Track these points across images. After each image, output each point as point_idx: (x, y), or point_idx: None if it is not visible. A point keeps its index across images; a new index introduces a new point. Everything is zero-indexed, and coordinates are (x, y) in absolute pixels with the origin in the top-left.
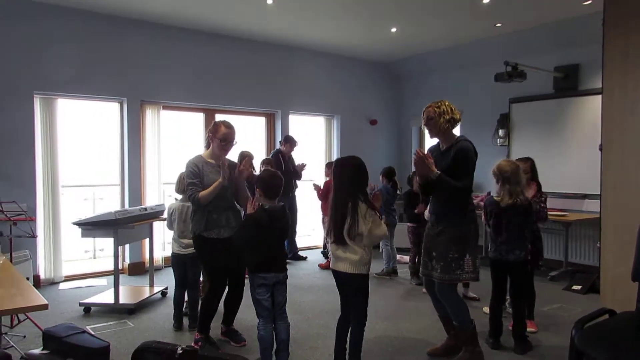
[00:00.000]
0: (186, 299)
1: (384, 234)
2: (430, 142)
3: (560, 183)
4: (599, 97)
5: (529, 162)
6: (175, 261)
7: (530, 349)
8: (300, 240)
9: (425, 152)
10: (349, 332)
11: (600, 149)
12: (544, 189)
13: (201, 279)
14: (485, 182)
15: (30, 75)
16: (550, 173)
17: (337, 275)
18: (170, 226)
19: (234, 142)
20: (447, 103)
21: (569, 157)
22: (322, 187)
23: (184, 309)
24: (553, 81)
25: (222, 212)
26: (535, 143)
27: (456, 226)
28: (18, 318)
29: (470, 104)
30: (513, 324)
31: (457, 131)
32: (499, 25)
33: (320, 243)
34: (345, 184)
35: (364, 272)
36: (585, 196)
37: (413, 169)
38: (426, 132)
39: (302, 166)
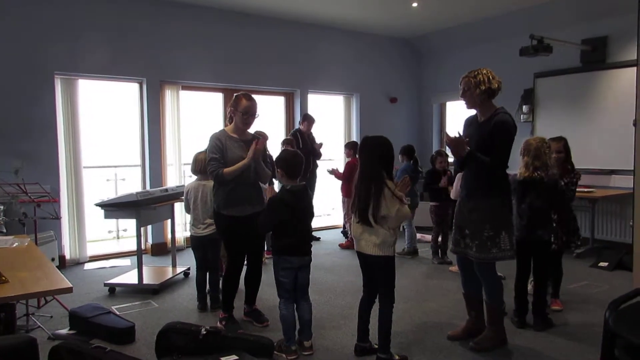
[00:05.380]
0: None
1: (406, 215)
2: (451, 117)
3: (587, 159)
4: (629, 69)
5: (562, 142)
6: (195, 243)
7: (550, 326)
8: (320, 220)
9: (462, 125)
10: (378, 314)
11: (635, 124)
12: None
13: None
14: (511, 159)
15: (50, 56)
16: (576, 149)
17: (362, 256)
18: (187, 209)
19: (256, 115)
20: (485, 71)
21: (596, 132)
22: (342, 170)
23: (206, 290)
24: (580, 54)
25: (245, 189)
26: (561, 118)
27: (490, 202)
28: (45, 299)
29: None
30: (533, 300)
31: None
32: None
33: (340, 222)
34: (372, 163)
35: (389, 254)
36: (612, 172)
37: (435, 147)
38: (444, 108)
39: (319, 145)
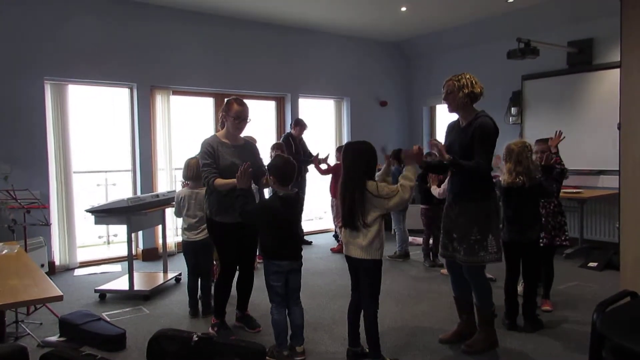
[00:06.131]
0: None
1: (401, 201)
2: (441, 121)
3: (575, 160)
4: (614, 71)
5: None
6: (187, 249)
7: (540, 327)
8: (312, 224)
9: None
10: (363, 319)
11: (619, 128)
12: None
13: (215, 263)
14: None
15: (40, 61)
16: (565, 150)
17: (350, 260)
18: (178, 213)
19: (248, 120)
20: (468, 76)
21: (583, 133)
22: (326, 166)
23: (198, 296)
24: (567, 56)
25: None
26: (549, 120)
27: (476, 206)
28: (35, 305)
29: (481, 82)
30: (523, 302)
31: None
32: (510, 0)
33: (332, 226)
34: (356, 169)
35: (377, 258)
36: (600, 172)
37: (425, 150)
38: (437, 109)
39: (316, 157)
